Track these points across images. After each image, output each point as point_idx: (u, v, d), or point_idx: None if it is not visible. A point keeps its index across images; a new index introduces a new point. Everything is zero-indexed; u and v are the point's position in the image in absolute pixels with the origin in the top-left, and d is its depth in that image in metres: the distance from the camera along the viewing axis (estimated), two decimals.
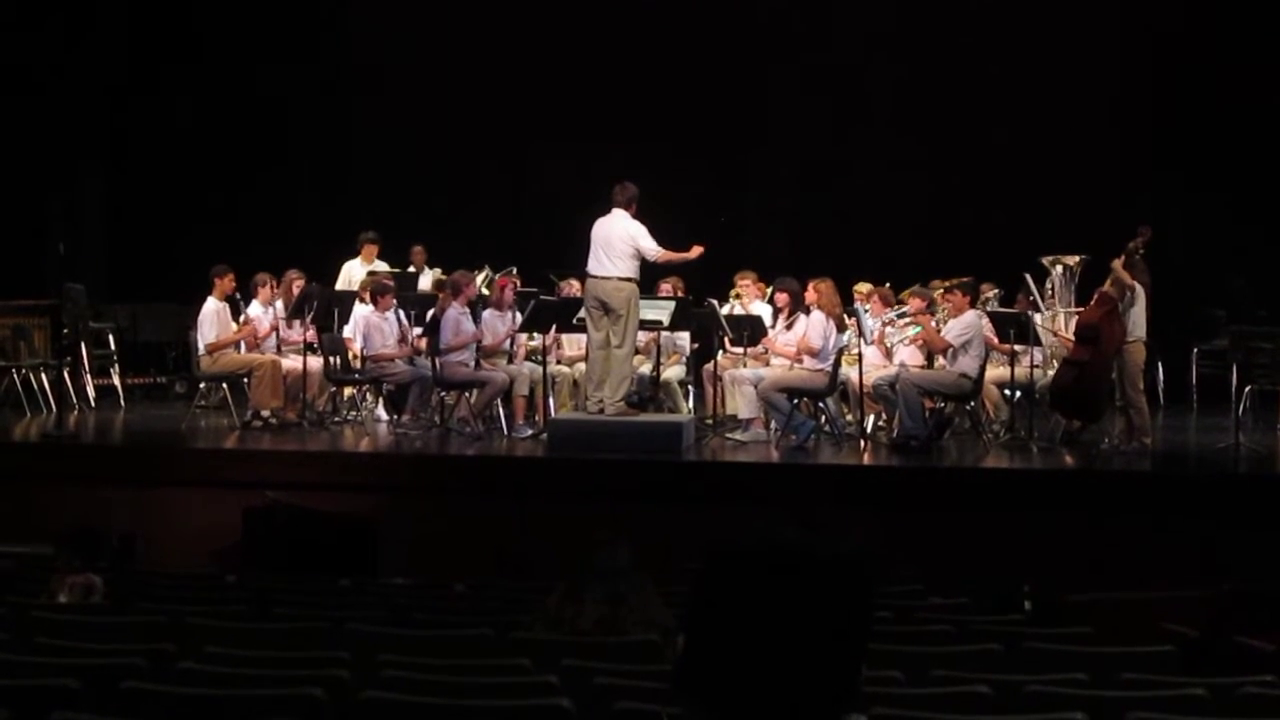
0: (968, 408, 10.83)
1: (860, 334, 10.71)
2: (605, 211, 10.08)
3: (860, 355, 10.62)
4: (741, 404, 10.74)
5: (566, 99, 14.63)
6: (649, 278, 10.76)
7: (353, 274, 12.77)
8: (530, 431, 10.78)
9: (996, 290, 11.67)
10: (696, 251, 10.11)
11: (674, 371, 11.43)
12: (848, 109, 14.53)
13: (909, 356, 10.98)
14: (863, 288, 11.66)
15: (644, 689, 4.62)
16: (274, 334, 11.53)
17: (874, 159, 14.32)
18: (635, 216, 10.01)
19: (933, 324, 10.67)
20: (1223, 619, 6.55)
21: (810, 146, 14.40)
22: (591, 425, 9.94)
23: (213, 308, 11.27)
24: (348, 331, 11.52)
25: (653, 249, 9.94)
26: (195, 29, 15.02)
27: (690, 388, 11.65)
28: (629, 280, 9.94)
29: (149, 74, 15.05)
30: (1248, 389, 10.68)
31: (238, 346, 11.33)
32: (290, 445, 10.53)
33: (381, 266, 12.83)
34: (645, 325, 10.44)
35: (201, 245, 13.36)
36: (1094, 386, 10.05)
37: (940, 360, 10.74)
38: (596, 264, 9.93)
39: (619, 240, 9.88)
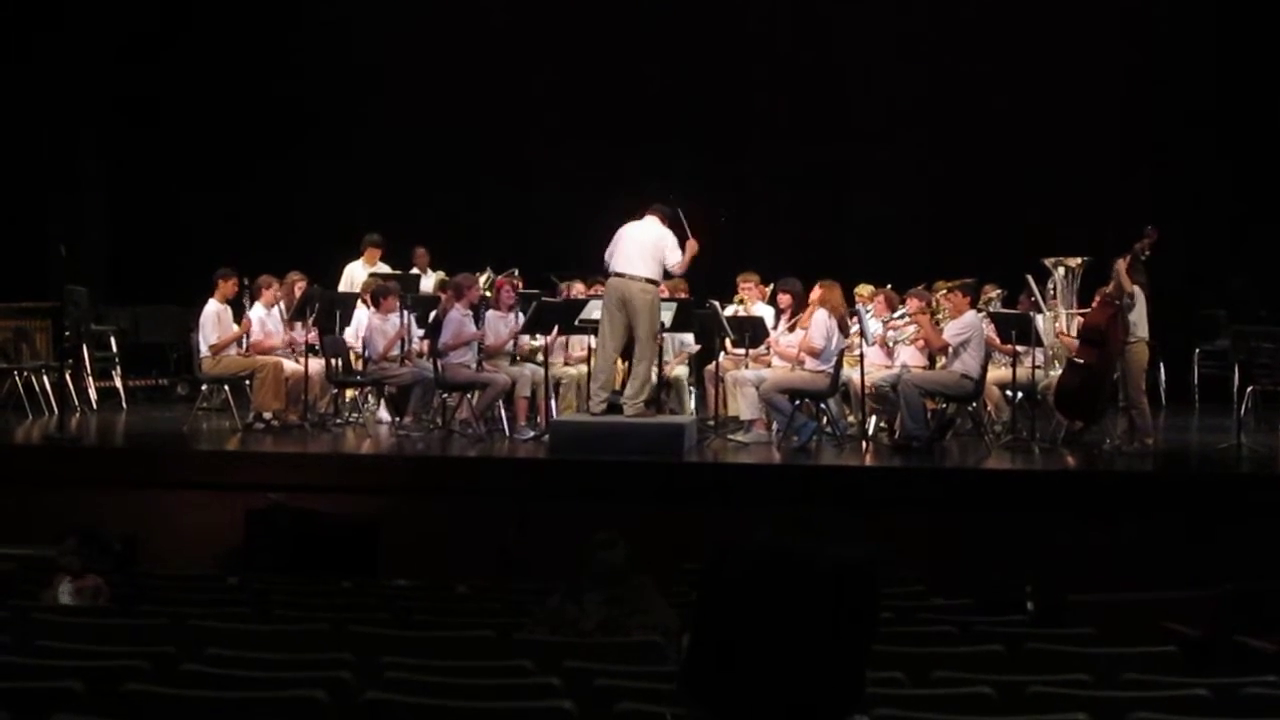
0: (969, 409, 10.84)
1: (862, 335, 10.72)
2: (636, 216, 10.09)
3: (862, 356, 10.62)
4: (743, 405, 10.75)
5: (569, 101, 14.65)
6: None
7: (355, 276, 12.77)
8: (532, 433, 10.78)
9: (999, 291, 11.68)
10: (694, 246, 10.11)
11: (681, 370, 11.48)
12: (851, 110, 14.54)
13: (911, 358, 10.98)
14: (864, 290, 11.67)
15: (646, 690, 4.62)
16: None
17: (877, 160, 14.33)
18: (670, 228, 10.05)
19: (930, 323, 10.68)
20: (1225, 619, 6.56)
21: (812, 148, 14.40)
22: (593, 427, 9.94)
23: (214, 310, 11.27)
24: (349, 334, 11.53)
25: (676, 259, 9.98)
26: (197, 32, 15.03)
27: (692, 389, 11.66)
28: (655, 283, 9.99)
29: (151, 76, 15.06)
30: (1249, 389, 10.68)
31: (240, 345, 11.32)
32: (292, 447, 10.52)
33: (383, 269, 12.83)
34: None
35: (203, 247, 13.38)
36: (1099, 388, 10.06)
37: (941, 361, 10.75)
38: (626, 263, 9.92)
39: (653, 244, 9.92)
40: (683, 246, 10.04)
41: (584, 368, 10.98)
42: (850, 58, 14.41)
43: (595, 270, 10.78)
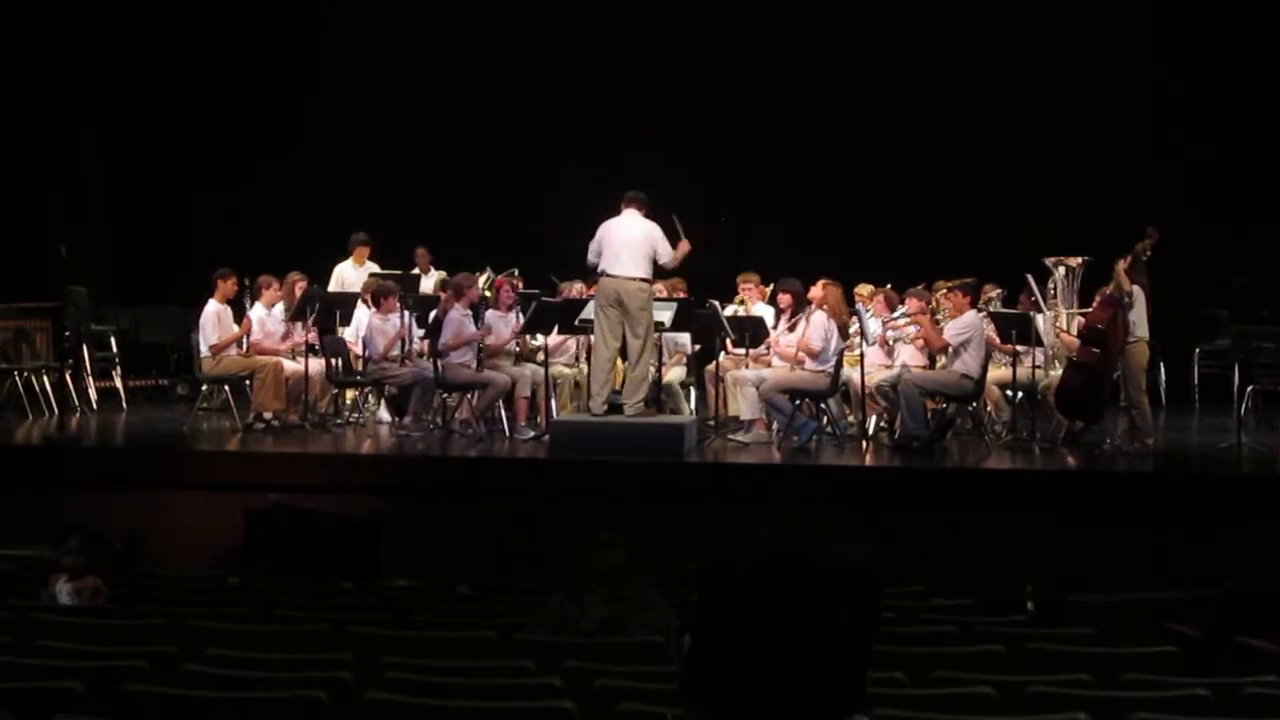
0: (970, 408, 10.83)
1: (862, 335, 10.72)
2: (614, 214, 10.06)
3: (862, 356, 10.62)
4: (743, 405, 10.74)
5: (569, 100, 14.63)
6: None
7: (345, 276, 12.75)
8: (532, 433, 10.78)
9: (999, 291, 11.68)
10: (686, 246, 10.09)
11: (676, 373, 11.45)
12: (851, 110, 14.52)
13: (911, 357, 10.99)
14: (864, 289, 11.66)
15: (646, 690, 4.62)
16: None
17: (877, 160, 14.32)
18: (649, 218, 10.03)
19: (930, 322, 10.68)
20: (1225, 619, 6.55)
21: (812, 148, 14.40)
22: (593, 427, 9.93)
23: (214, 310, 11.26)
24: (349, 334, 11.52)
25: (668, 253, 9.95)
26: (197, 31, 15.03)
27: (692, 389, 11.66)
28: (648, 281, 9.96)
29: (151, 77, 15.05)
30: (1250, 389, 10.68)
31: (240, 345, 11.32)
32: (292, 447, 10.53)
33: (373, 268, 12.81)
34: None
35: (204, 247, 13.39)
36: (1099, 388, 10.07)
37: (941, 360, 10.75)
38: (616, 264, 9.87)
39: (640, 242, 9.87)
40: (674, 245, 10.03)
41: (583, 367, 10.98)
42: (850, 58, 14.40)
43: (589, 272, 10.76)
